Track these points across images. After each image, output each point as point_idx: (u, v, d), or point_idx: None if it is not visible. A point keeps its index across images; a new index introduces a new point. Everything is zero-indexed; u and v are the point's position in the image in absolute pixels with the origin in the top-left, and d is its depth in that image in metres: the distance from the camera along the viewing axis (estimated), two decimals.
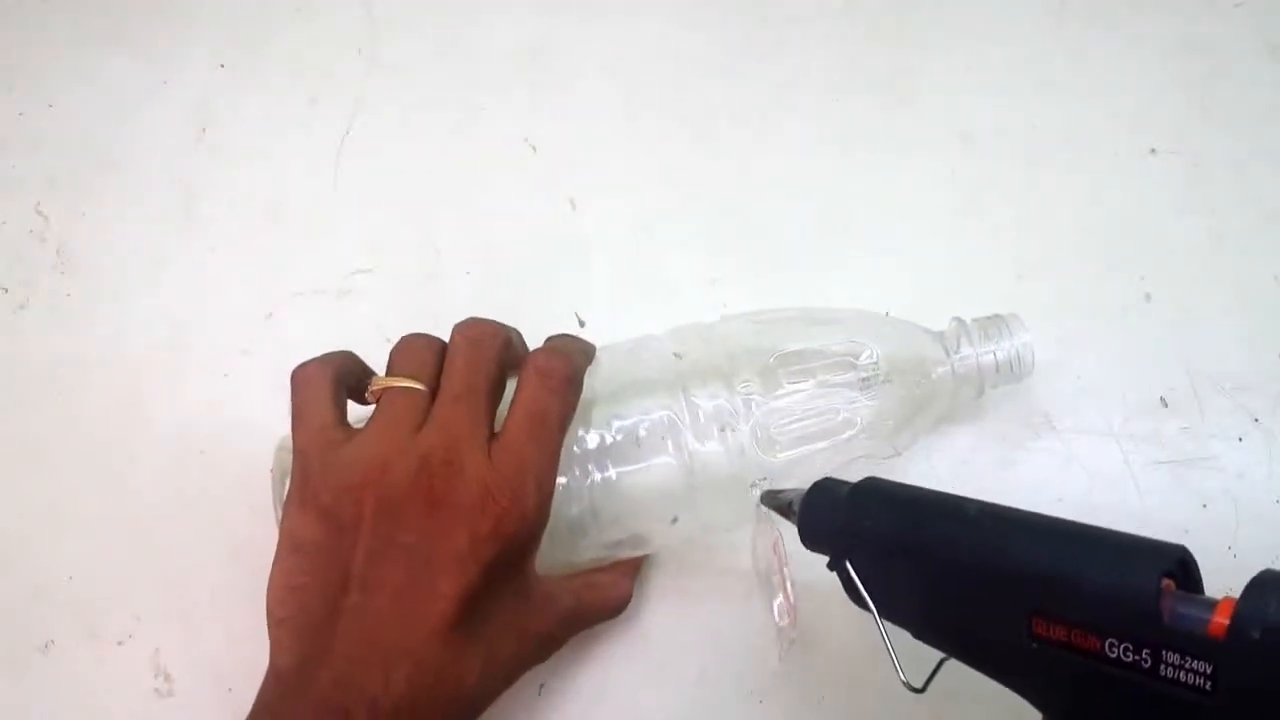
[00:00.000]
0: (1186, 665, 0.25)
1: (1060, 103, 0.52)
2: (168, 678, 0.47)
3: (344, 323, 0.52)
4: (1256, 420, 0.45)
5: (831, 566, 0.33)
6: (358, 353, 0.40)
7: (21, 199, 0.57)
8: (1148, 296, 0.48)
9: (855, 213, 0.52)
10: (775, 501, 0.38)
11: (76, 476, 0.51)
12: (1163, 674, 0.25)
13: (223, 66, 0.59)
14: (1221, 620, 0.25)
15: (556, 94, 0.56)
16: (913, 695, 0.32)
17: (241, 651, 0.47)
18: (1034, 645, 0.28)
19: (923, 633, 0.32)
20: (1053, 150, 0.51)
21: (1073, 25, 0.54)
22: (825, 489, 0.35)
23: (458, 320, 0.39)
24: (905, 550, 0.32)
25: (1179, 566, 0.27)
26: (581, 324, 0.50)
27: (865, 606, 0.32)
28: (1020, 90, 0.53)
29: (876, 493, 0.34)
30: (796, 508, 0.35)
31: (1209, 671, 0.25)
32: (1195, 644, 0.25)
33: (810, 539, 0.35)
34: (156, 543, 0.49)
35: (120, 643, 0.48)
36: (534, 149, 0.55)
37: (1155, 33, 0.53)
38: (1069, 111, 0.52)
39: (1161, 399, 0.46)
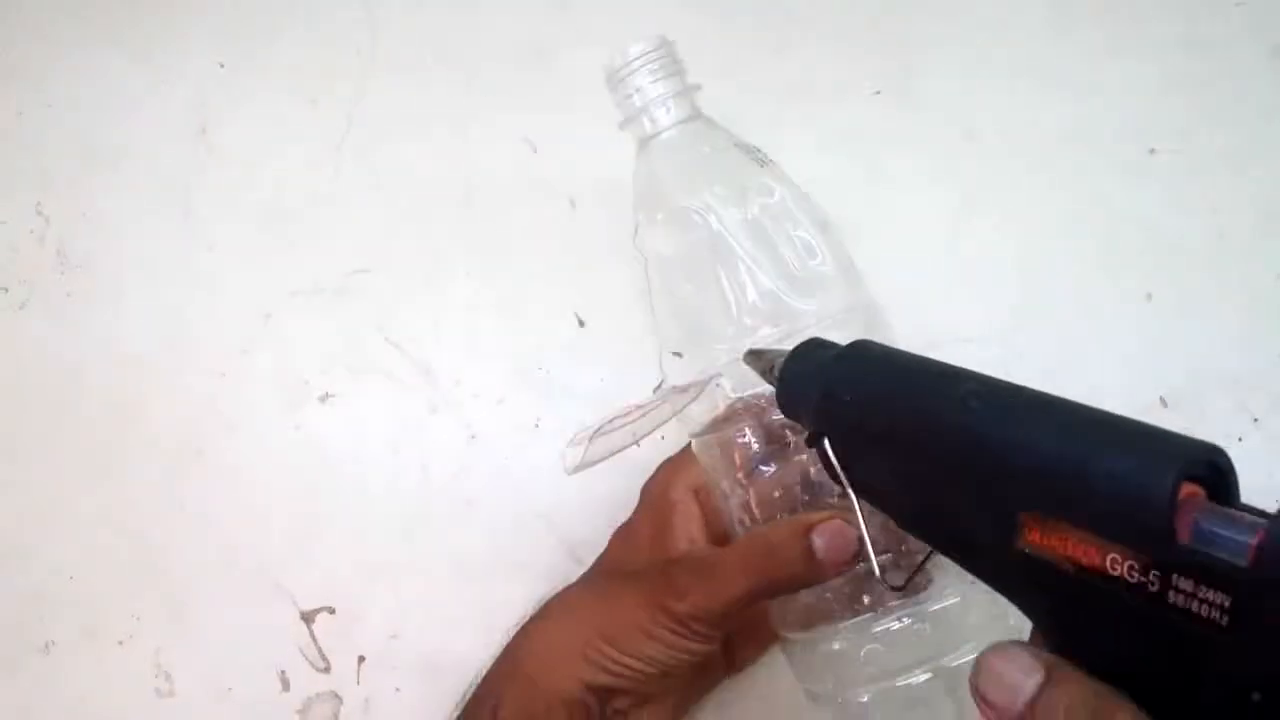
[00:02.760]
0: (1200, 595, 0.20)
1: (1060, 102, 0.52)
2: (168, 678, 0.47)
3: (343, 323, 0.52)
4: (1256, 420, 0.45)
5: (809, 441, 0.29)
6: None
7: (21, 199, 0.57)
8: (1148, 296, 0.48)
9: (856, 212, 0.52)
10: (759, 362, 0.33)
11: (76, 477, 0.51)
12: (1171, 601, 0.21)
13: (222, 66, 0.59)
14: (1249, 543, 0.20)
15: (556, 94, 0.56)
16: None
17: (241, 651, 0.47)
18: (1025, 551, 0.23)
19: (907, 523, 0.28)
20: (1053, 150, 0.51)
21: (1073, 25, 0.54)
22: (810, 351, 0.31)
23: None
24: (887, 430, 0.27)
25: (1209, 471, 0.22)
26: (581, 324, 0.50)
27: (843, 487, 0.29)
28: (1021, 90, 0.53)
29: (863, 359, 0.29)
30: (779, 371, 0.31)
31: (1226, 604, 0.20)
32: (1214, 570, 0.20)
33: (789, 407, 0.31)
34: (156, 543, 0.49)
35: (120, 643, 0.48)
36: (534, 149, 0.55)
37: (1155, 33, 0.53)
38: (1069, 111, 0.52)
39: (1161, 399, 0.46)
